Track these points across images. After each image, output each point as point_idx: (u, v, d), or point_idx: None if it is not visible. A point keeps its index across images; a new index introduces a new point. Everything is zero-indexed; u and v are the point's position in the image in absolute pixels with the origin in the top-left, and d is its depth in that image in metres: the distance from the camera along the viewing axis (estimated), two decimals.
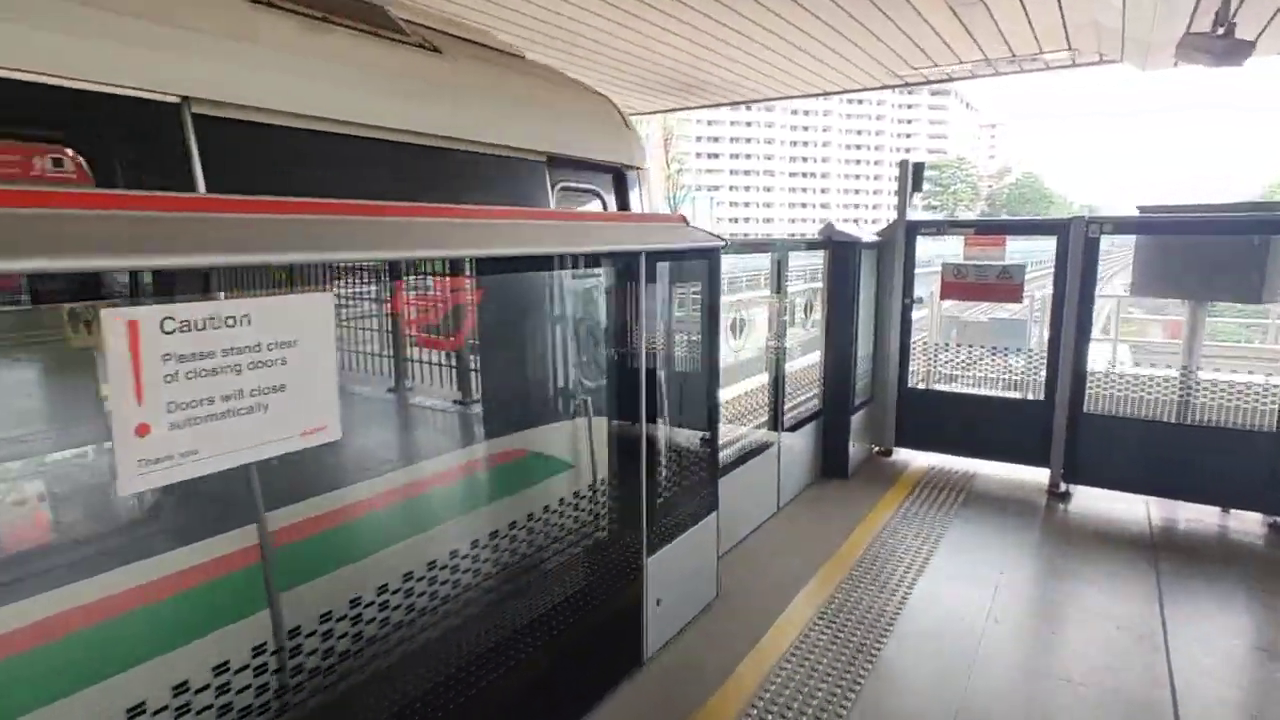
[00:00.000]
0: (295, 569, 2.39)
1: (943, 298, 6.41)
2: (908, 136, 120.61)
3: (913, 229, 6.41)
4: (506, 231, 2.65)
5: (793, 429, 5.66)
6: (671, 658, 3.59)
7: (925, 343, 6.85)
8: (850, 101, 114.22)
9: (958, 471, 6.37)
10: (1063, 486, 5.85)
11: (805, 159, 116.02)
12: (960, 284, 6.24)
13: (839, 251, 5.96)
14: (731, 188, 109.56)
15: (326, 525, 2.55)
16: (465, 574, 2.73)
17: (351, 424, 2.69)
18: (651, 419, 3.36)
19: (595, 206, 4.30)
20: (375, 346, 2.99)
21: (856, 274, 5.93)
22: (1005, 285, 6.04)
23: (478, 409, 3.32)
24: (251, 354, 1.79)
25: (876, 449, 6.88)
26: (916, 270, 6.60)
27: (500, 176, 3.50)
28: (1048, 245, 5.90)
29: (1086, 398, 5.76)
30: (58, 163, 2.09)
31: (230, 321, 1.74)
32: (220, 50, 2.38)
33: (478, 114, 3.34)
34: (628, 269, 3.27)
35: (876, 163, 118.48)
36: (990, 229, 6.14)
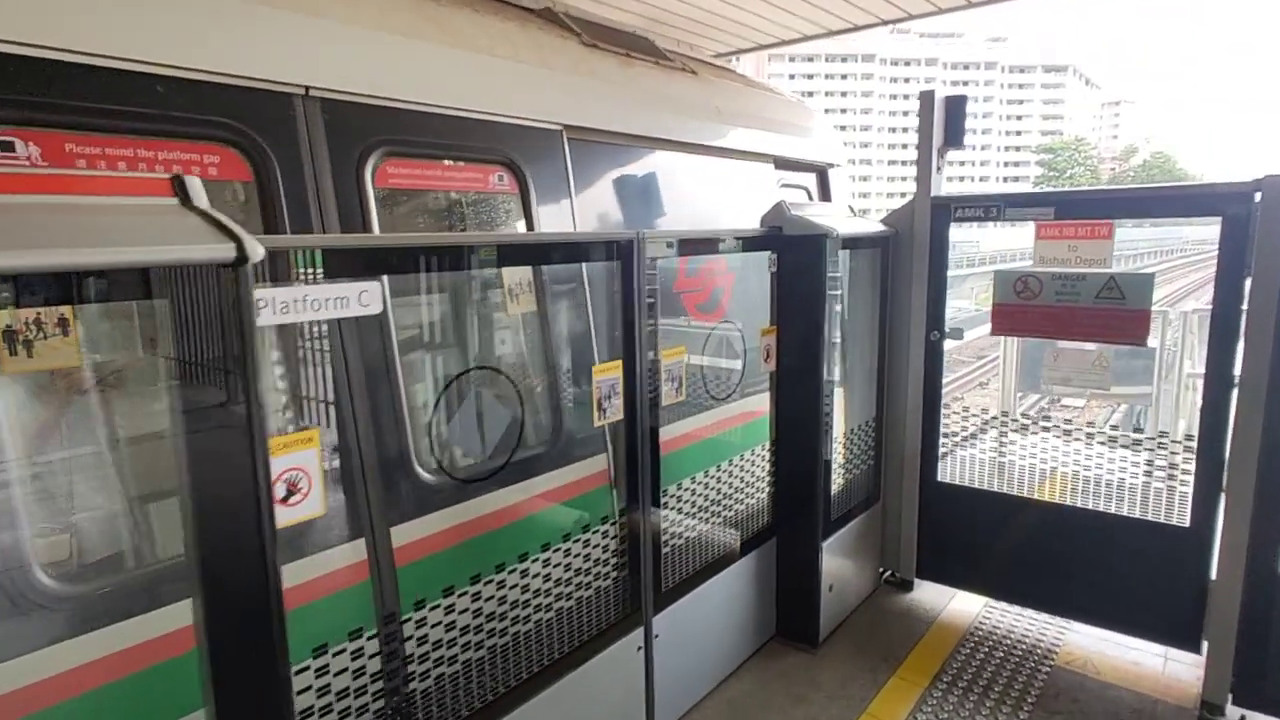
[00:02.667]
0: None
1: (995, 332, 3.67)
2: (1019, 119, 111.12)
3: (943, 212, 3.67)
4: None
5: (697, 578, 3.09)
6: None
7: (970, 403, 4.10)
8: (956, 83, 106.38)
9: (1024, 637, 3.60)
10: (1233, 712, 3.00)
11: (905, 145, 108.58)
12: (1026, 309, 3.45)
13: (794, 252, 3.33)
14: None
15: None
16: None
17: None
18: None
19: (804, 200, 4.86)
20: None
21: (821, 289, 3.27)
22: (1113, 313, 3.23)
23: None
24: None
25: (887, 575, 4.17)
26: (957, 273, 3.86)
27: (742, 176, 4.18)
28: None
29: None
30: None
31: None
32: (585, 90, 3.24)
33: (728, 123, 4.08)
34: None
35: (984, 147, 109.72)
36: (1084, 207, 3.33)
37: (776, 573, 3.59)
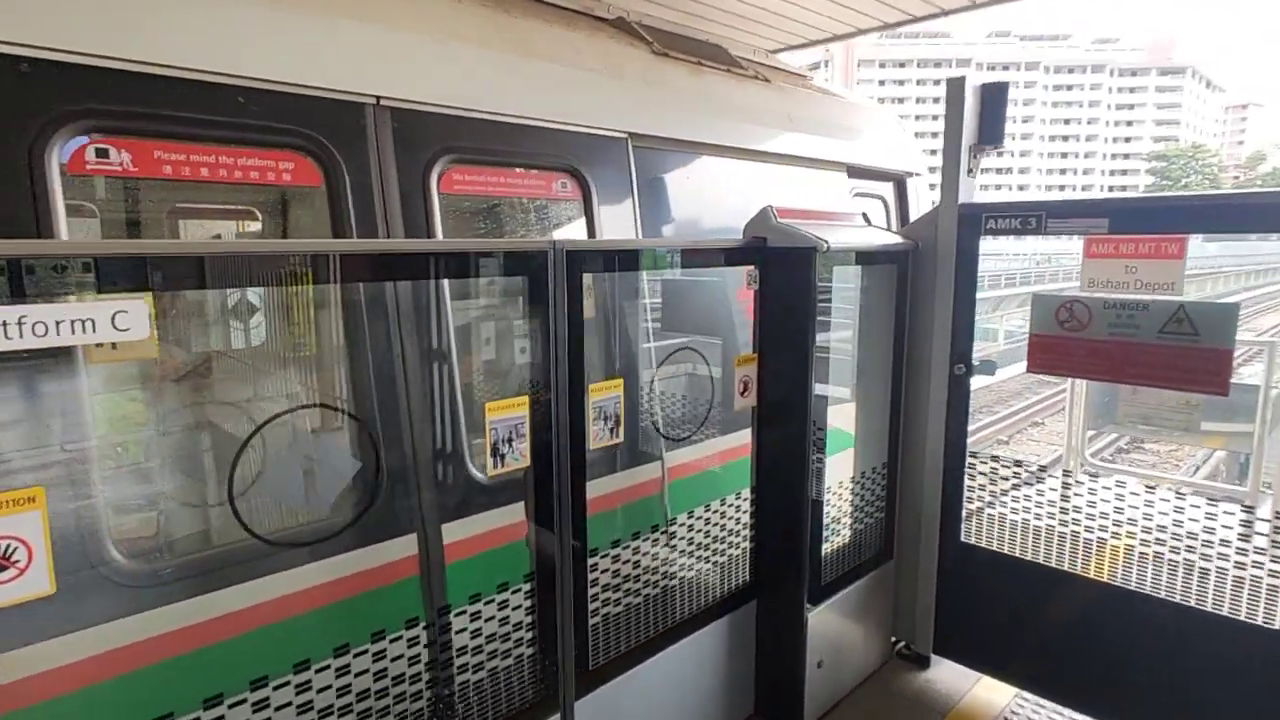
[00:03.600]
0: None
1: (1032, 368, 3.02)
2: (1129, 124, 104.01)
3: (972, 222, 3.06)
4: None
5: (647, 649, 2.61)
6: None
7: (1004, 458, 3.44)
8: (1059, 87, 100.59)
9: None
10: None
11: (999, 152, 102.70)
12: (1071, 343, 2.81)
13: (779, 267, 2.81)
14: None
15: None
16: None
17: None
18: None
19: (879, 210, 4.75)
20: None
21: (809, 310, 2.73)
22: (1183, 352, 2.56)
23: None
24: None
25: (900, 646, 3.56)
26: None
27: (813, 185, 4.05)
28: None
29: None
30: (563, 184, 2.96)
31: None
32: (652, 98, 3.26)
33: (799, 130, 4.00)
34: None
35: (1088, 155, 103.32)
36: (1148, 219, 2.67)
37: (756, 641, 3.07)
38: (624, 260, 2.43)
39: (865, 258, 3.11)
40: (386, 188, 2.32)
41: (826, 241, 2.67)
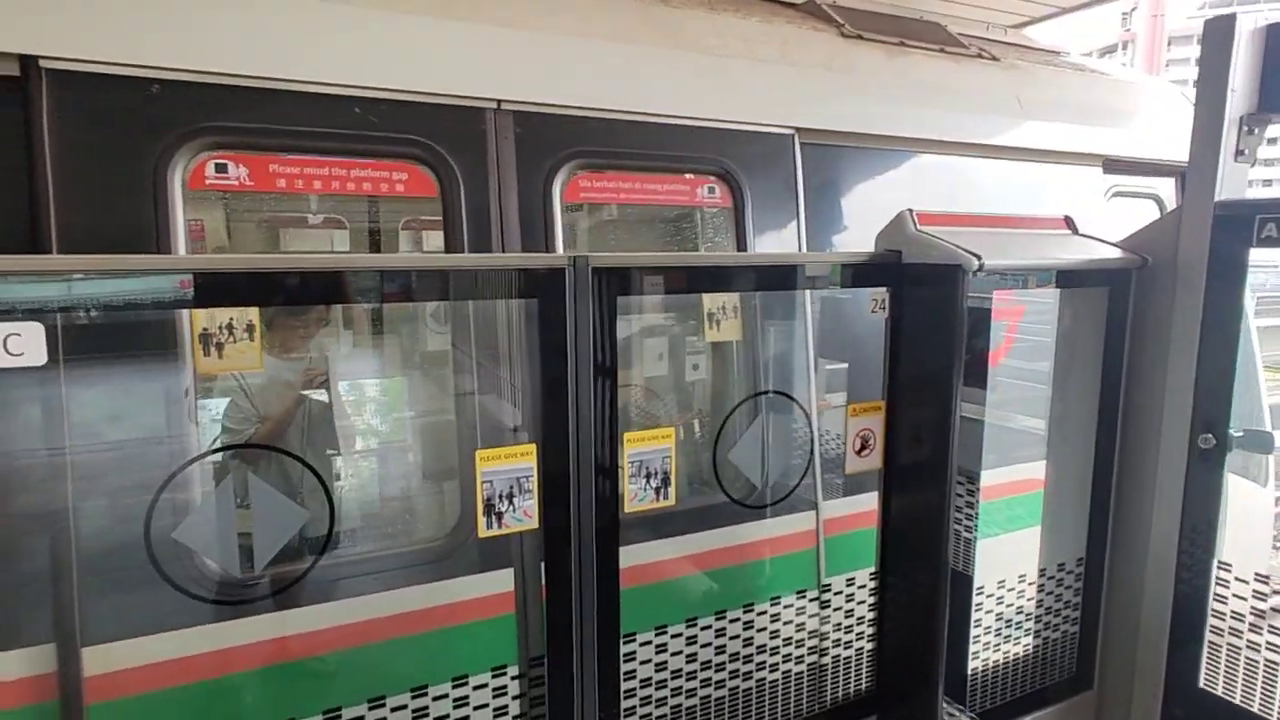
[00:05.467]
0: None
1: None
2: None
3: (1235, 228, 2.07)
4: None
5: None
6: None
7: None
8: None
9: None
10: None
11: None
12: None
13: (915, 290, 2.12)
14: None
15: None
16: None
17: None
18: None
19: (1151, 212, 3.99)
20: None
21: (953, 344, 2.02)
22: None
23: None
24: None
25: None
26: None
27: (1050, 183, 3.45)
28: None
29: None
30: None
31: None
32: (830, 87, 2.86)
33: (1032, 118, 3.35)
34: None
35: None
36: None
37: None
38: (676, 280, 1.95)
39: (1071, 279, 2.28)
40: (504, 198, 2.21)
41: (979, 257, 1.95)
